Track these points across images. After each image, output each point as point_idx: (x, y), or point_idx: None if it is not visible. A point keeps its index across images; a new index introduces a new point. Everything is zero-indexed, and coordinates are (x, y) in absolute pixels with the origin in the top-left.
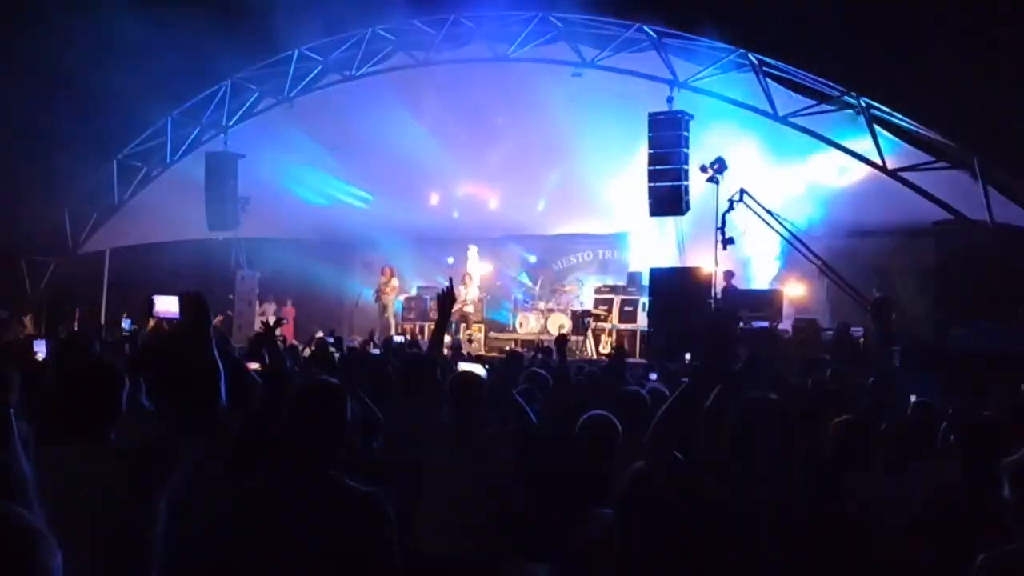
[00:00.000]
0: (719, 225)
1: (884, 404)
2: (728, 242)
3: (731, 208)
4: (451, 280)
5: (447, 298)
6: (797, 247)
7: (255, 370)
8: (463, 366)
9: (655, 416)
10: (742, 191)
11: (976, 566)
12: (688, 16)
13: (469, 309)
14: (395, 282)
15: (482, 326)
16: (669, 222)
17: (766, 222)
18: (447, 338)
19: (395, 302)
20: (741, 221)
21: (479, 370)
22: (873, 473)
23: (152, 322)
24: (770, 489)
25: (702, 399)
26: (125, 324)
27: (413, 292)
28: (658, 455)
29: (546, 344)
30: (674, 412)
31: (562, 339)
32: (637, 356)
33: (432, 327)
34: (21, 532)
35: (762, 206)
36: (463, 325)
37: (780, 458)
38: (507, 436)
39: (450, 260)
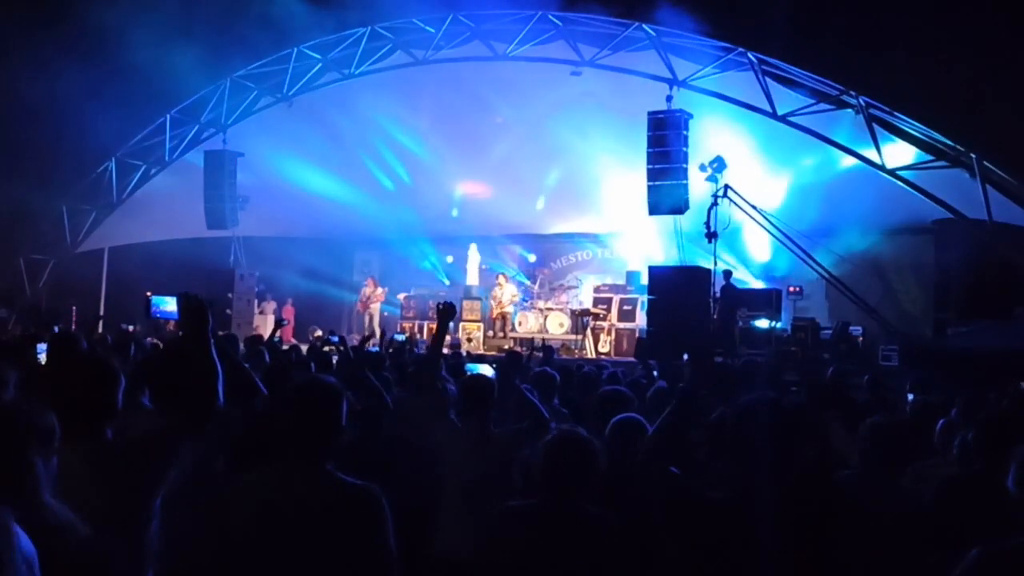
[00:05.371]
0: (705, 219)
1: (879, 402)
2: (712, 236)
3: (715, 204)
4: (450, 303)
5: (446, 312)
6: (784, 243)
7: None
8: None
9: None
10: (726, 187)
11: (970, 561)
12: (686, 14)
13: (509, 310)
14: (379, 291)
15: (481, 325)
16: (669, 221)
17: (751, 217)
18: (446, 337)
19: (380, 307)
20: (735, 216)
21: (487, 371)
22: (869, 471)
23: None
24: (769, 488)
25: (693, 414)
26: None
27: (412, 291)
28: (653, 468)
29: (544, 343)
30: (667, 428)
31: (549, 349)
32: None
33: (431, 328)
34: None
35: (747, 201)
36: (492, 324)
37: (779, 457)
38: (524, 435)
39: (449, 260)
